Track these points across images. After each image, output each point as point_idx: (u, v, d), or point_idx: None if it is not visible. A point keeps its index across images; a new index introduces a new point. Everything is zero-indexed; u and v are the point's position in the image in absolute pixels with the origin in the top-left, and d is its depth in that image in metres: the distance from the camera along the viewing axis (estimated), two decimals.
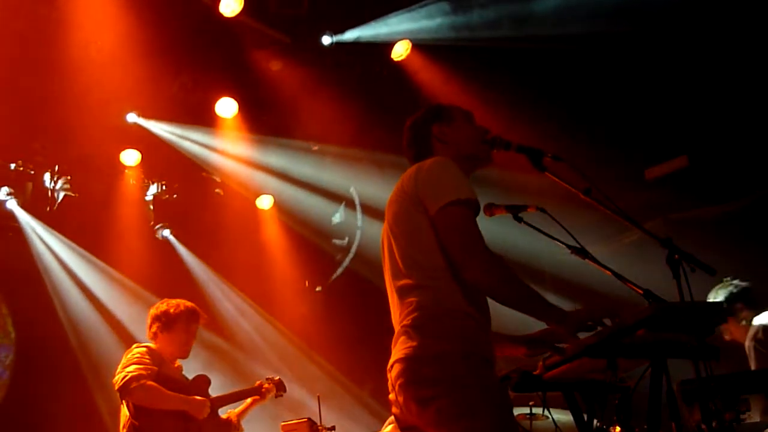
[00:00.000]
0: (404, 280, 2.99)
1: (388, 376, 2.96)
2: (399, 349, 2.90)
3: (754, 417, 5.07)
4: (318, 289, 10.57)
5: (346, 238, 10.43)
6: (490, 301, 3.02)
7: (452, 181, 3.00)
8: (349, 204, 10.22)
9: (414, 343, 2.85)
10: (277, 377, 5.82)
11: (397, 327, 3.01)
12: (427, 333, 2.85)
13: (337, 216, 10.39)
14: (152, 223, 9.50)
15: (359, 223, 10.28)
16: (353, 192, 10.15)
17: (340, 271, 10.50)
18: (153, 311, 5.42)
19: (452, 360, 2.80)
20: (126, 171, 8.92)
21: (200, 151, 8.91)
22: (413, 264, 2.98)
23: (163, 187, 9.30)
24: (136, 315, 8.33)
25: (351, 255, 10.35)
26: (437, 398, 2.76)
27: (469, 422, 2.72)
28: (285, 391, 5.81)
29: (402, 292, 2.99)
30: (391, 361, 2.94)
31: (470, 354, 2.84)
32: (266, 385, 5.71)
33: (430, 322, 2.88)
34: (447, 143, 3.29)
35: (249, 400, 5.67)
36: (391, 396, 2.96)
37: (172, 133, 8.66)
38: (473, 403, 2.74)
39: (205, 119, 8.62)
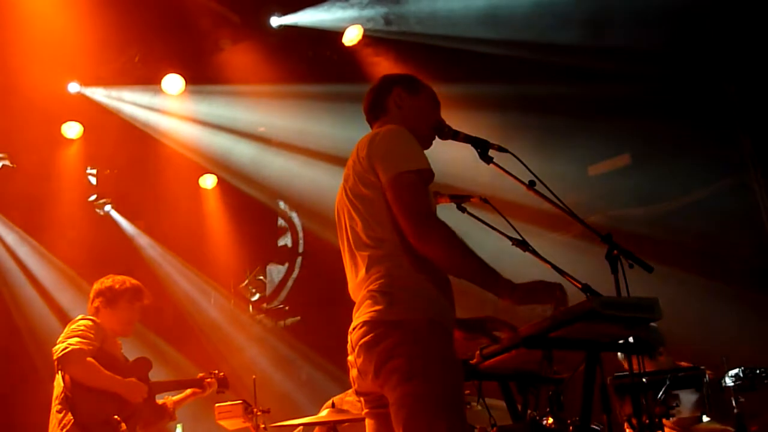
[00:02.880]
0: (369, 250, 2.98)
1: (349, 337, 2.97)
2: (364, 312, 2.91)
3: (683, 412, 5.18)
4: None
5: (286, 264, 10.43)
6: None
7: (404, 151, 3.00)
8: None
9: (380, 307, 2.86)
10: (222, 373, 5.72)
11: (356, 296, 3.02)
12: (394, 299, 2.87)
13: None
14: (94, 198, 9.37)
15: (300, 249, 10.27)
16: (293, 215, 10.16)
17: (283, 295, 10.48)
18: (97, 286, 5.31)
19: (416, 327, 2.82)
20: (67, 144, 8.76)
21: (145, 119, 8.77)
22: (378, 234, 2.98)
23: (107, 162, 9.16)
24: (73, 295, 8.26)
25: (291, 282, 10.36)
26: (396, 362, 2.79)
27: (421, 386, 2.75)
28: (227, 387, 5.73)
29: (368, 262, 2.98)
30: (354, 323, 2.95)
31: (433, 323, 2.86)
32: (209, 379, 5.64)
33: (398, 288, 2.89)
34: (400, 108, 3.30)
35: (189, 390, 5.61)
36: (350, 358, 2.98)
37: (117, 99, 8.51)
38: (429, 370, 2.77)
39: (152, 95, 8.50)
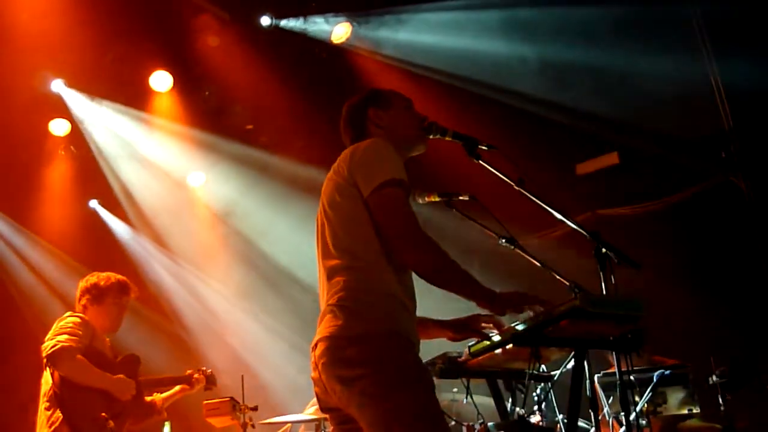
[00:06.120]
0: (333, 260, 2.97)
1: (312, 354, 2.93)
2: (324, 327, 2.88)
3: (670, 409, 5.21)
4: None
5: None
6: (421, 284, 3.01)
7: (386, 163, 2.99)
8: None
9: (339, 323, 2.83)
10: (209, 370, 5.73)
11: (323, 307, 2.99)
12: (353, 313, 2.84)
13: None
14: (81, 194, 9.34)
15: None
16: None
17: None
18: (82, 284, 5.29)
19: (377, 341, 2.80)
20: (55, 140, 8.74)
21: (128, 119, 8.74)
22: (343, 245, 2.96)
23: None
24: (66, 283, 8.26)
25: None
26: (361, 378, 2.74)
27: (391, 401, 2.71)
28: (215, 384, 5.75)
29: (330, 272, 2.97)
30: (315, 339, 2.91)
31: (395, 335, 2.83)
32: (196, 376, 5.64)
33: (357, 302, 2.86)
34: (382, 127, 3.27)
35: (177, 387, 5.60)
36: (314, 375, 2.93)
37: (100, 99, 8.47)
38: (396, 383, 2.73)
39: (138, 93, 8.45)
